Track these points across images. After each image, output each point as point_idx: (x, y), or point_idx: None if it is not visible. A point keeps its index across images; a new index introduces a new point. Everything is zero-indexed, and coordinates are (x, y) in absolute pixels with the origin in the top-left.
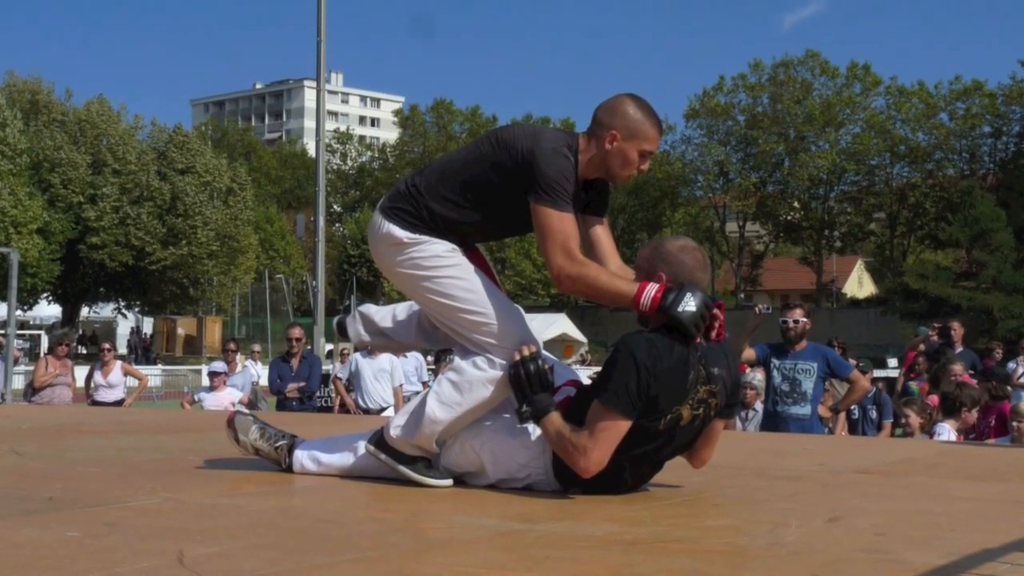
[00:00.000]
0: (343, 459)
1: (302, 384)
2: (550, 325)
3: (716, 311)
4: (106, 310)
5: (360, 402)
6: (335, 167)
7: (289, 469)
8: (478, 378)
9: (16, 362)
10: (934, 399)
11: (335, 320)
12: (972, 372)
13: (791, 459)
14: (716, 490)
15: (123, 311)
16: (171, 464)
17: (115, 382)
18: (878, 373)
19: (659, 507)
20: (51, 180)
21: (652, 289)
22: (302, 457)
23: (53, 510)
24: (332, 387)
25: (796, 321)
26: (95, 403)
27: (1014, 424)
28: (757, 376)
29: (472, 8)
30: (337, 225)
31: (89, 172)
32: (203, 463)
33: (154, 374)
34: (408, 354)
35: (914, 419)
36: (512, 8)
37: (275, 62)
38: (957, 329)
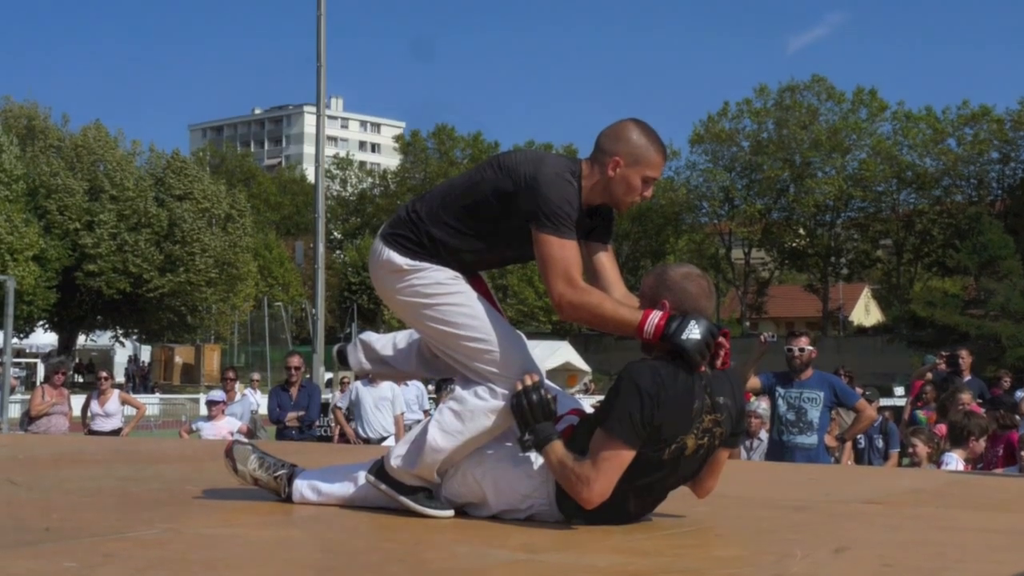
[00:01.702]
0: (343, 488)
1: (301, 413)
2: (553, 353)
3: (722, 339)
4: (103, 338)
5: (360, 431)
6: (335, 193)
7: (288, 499)
8: (480, 407)
9: (12, 391)
10: (942, 428)
11: (336, 348)
12: (980, 401)
13: (797, 489)
14: (721, 520)
15: (121, 339)
16: (169, 494)
17: (112, 411)
18: (885, 402)
19: (663, 537)
20: (47, 207)
21: (655, 317)
22: (302, 487)
23: (50, 540)
24: (332, 416)
25: (801, 349)
26: (92, 432)
27: (1023, 454)
28: (762, 405)
29: (474, 34)
30: (338, 252)
31: (86, 198)
32: (201, 493)
33: (152, 403)
34: (409, 383)
35: (921, 448)
36: (515, 34)
37: (274, 88)
38: (965, 358)
